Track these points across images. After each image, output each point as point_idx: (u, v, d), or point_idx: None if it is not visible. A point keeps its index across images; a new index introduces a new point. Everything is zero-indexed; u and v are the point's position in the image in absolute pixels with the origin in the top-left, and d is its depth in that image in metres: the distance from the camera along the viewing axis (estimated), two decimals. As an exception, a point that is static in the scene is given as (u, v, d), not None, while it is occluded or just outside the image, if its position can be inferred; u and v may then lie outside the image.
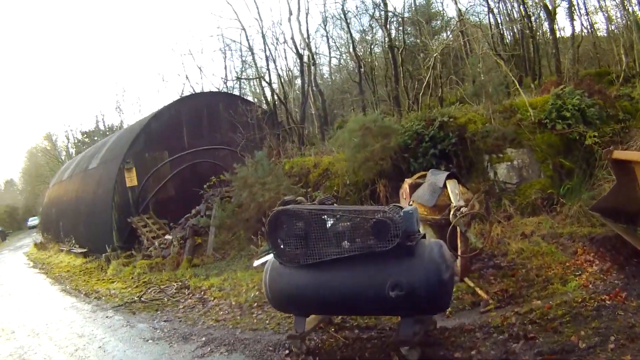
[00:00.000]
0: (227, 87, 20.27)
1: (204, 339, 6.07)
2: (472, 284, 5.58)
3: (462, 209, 5.72)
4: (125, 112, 31.30)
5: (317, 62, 17.51)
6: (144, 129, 15.26)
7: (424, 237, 4.44)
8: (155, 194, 14.86)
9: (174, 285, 9.36)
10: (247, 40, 18.43)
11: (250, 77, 20.00)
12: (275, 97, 17.03)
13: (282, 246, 4.66)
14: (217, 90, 19.93)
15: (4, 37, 68.77)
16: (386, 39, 13.61)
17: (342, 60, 20.76)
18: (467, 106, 9.72)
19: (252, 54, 18.05)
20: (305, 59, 16.52)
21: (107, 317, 7.96)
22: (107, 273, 11.95)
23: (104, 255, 13.17)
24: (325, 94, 18.23)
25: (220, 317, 6.98)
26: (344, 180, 10.02)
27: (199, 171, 14.91)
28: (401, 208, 4.32)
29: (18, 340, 7.23)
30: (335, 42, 21.92)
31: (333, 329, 5.31)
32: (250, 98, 19.92)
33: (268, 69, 18.02)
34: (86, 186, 16.81)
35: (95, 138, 26.87)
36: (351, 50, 16.99)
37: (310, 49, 16.63)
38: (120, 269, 11.75)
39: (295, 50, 16.75)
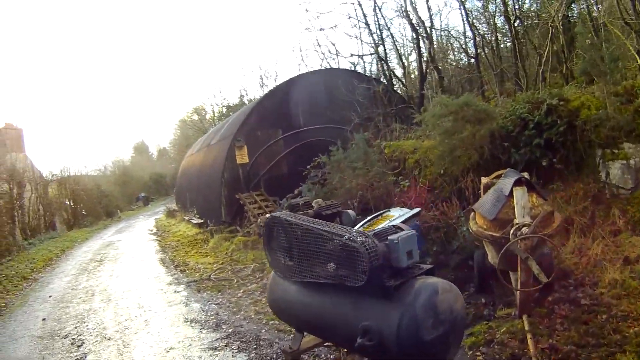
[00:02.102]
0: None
1: (230, 330, 5.98)
2: (527, 327, 4.33)
3: (523, 228, 4.46)
4: (269, 86, 32.72)
5: (433, 35, 15.79)
6: (256, 107, 15.61)
7: (430, 272, 3.40)
8: (267, 171, 14.98)
9: (251, 267, 9.48)
10: (364, 15, 17.33)
11: (367, 54, 19.03)
12: (392, 75, 15.96)
13: (275, 255, 4.18)
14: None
15: (161, 20, 77.84)
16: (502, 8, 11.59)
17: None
18: (590, 87, 7.73)
19: (369, 28, 17.08)
20: (423, 32, 15.12)
21: (175, 291, 8.42)
22: (208, 246, 12.60)
23: (209, 228, 14.08)
24: (448, 71, 16.57)
25: (264, 309, 6.78)
26: (439, 169, 8.88)
27: (314, 150, 13.92)
28: (396, 232, 3.41)
29: (91, 304, 8.10)
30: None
31: (346, 350, 4.68)
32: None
33: (383, 44, 16.95)
34: (206, 161, 17.93)
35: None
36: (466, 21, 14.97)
37: (428, 22, 15.12)
38: (220, 244, 12.20)
39: (409, 23, 15.44)
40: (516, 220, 4.58)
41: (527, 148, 7.03)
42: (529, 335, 4.13)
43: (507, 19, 11.14)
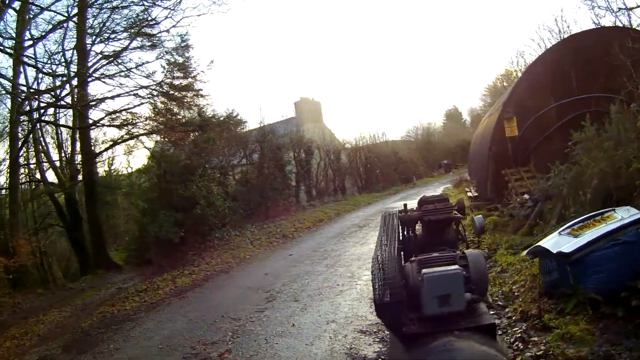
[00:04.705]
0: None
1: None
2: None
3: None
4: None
5: None
6: (525, 75, 14.05)
7: (489, 330, 2.39)
8: (537, 145, 13.26)
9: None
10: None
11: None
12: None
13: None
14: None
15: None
16: None
17: None
18: None
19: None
20: None
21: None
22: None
23: (473, 203, 13.72)
24: None
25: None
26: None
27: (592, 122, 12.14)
28: (446, 263, 2.68)
29: (315, 267, 9.49)
30: None
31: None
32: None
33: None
34: (483, 132, 16.97)
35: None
36: None
37: None
38: (471, 221, 11.81)
39: None
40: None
41: None
42: None
43: None
